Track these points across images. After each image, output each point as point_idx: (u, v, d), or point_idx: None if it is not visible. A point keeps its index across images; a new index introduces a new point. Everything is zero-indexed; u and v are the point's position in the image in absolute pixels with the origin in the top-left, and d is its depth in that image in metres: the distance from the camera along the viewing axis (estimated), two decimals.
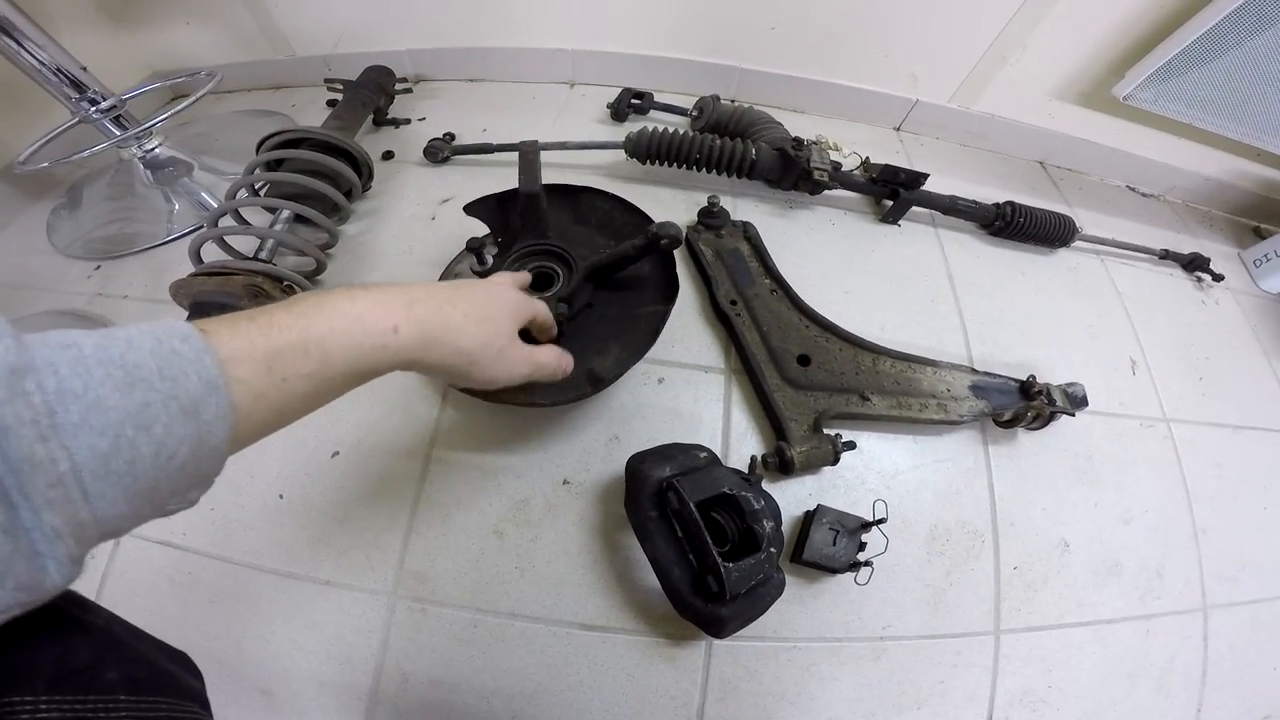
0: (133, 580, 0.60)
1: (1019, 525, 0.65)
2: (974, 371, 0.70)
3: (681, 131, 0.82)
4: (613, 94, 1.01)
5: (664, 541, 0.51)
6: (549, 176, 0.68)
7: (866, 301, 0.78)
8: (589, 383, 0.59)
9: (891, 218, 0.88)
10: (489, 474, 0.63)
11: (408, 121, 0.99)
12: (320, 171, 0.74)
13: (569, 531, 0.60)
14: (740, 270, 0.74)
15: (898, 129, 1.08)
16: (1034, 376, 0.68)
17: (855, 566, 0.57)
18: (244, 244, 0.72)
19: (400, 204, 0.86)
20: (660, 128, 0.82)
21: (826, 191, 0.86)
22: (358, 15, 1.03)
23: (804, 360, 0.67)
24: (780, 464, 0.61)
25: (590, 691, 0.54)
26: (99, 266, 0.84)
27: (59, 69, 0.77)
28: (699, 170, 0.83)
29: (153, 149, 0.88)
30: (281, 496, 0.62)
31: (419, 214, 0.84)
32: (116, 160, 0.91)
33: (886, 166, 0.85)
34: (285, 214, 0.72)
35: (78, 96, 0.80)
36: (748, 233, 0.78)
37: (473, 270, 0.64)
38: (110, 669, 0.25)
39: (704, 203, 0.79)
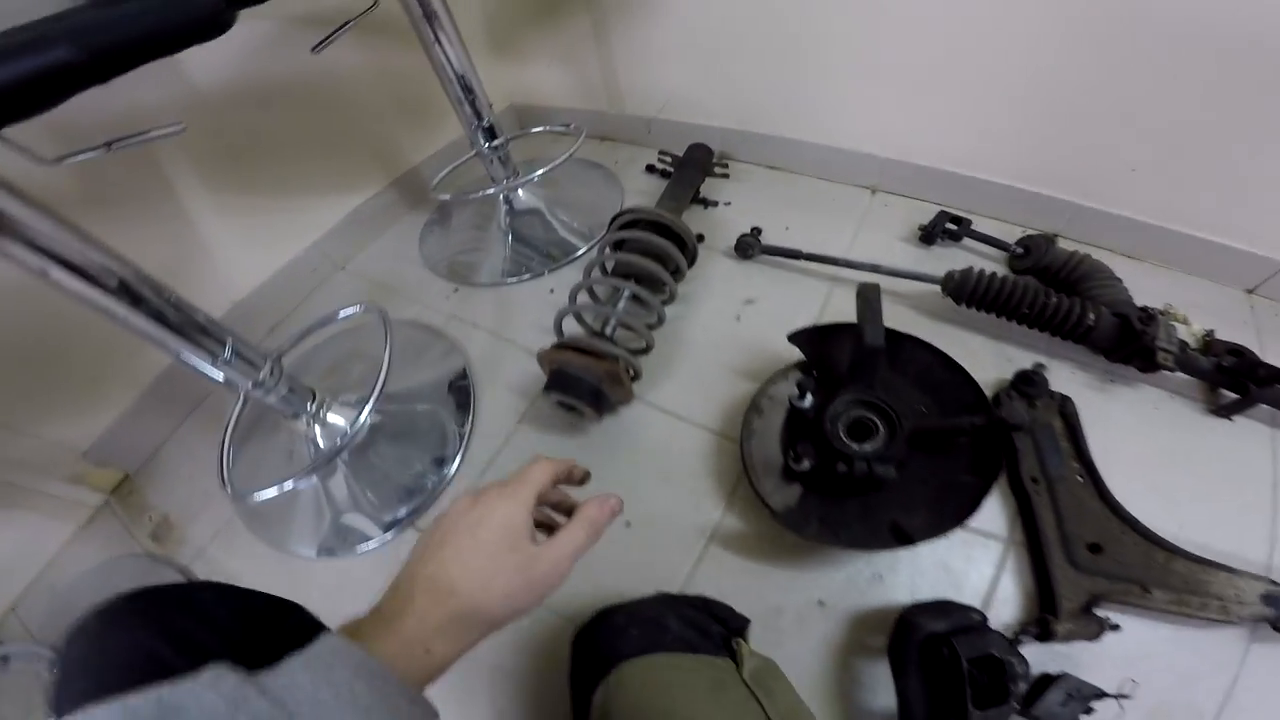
0: None
1: (1245, 717, 0.60)
2: (1273, 583, 0.63)
3: (1011, 279, 0.79)
4: (916, 207, 0.99)
5: (917, 682, 0.56)
6: (850, 292, 0.68)
7: (1172, 497, 0.71)
8: (895, 538, 0.62)
9: (1226, 412, 0.78)
10: (754, 578, 0.70)
11: (716, 204, 1.06)
12: (659, 254, 0.83)
13: (810, 645, 0.65)
14: (1049, 449, 0.71)
15: (1251, 291, 0.93)
16: None
17: None
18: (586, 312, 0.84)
19: (708, 295, 0.93)
20: (986, 270, 0.80)
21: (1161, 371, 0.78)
22: (685, 85, 1.12)
23: (1095, 548, 0.65)
24: (1040, 635, 0.62)
25: None
26: (457, 289, 1.03)
27: (461, 76, 0.88)
28: (1020, 324, 0.80)
29: (516, 190, 1.04)
30: None
31: (724, 310, 0.91)
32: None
33: (1242, 357, 0.75)
34: (626, 293, 0.83)
35: (475, 123, 0.92)
36: (1064, 409, 0.74)
37: (792, 402, 0.69)
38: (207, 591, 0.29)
39: (1015, 359, 0.77)
